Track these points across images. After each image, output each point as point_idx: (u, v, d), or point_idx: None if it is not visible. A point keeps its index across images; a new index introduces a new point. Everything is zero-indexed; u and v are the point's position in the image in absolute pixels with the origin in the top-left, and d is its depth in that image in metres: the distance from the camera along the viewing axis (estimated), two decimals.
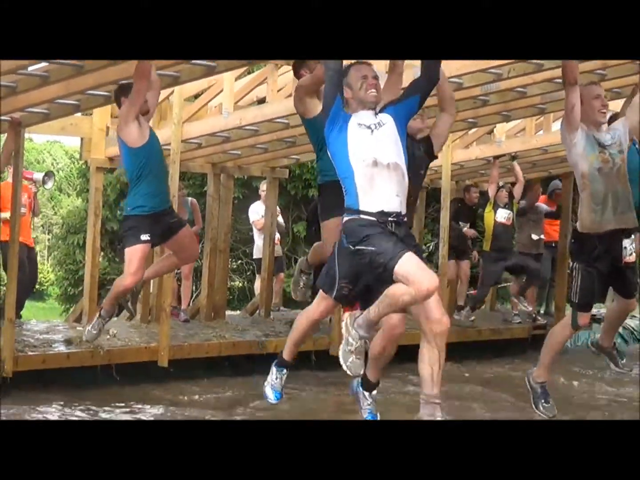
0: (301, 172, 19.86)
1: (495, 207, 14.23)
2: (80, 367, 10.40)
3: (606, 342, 7.63)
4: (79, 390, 9.97)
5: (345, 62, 5.94)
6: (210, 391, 10.79)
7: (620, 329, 13.94)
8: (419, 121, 6.68)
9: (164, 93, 10.38)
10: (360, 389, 6.58)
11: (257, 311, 14.68)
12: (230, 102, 10.90)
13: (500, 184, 14.92)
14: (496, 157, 13.63)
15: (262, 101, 11.55)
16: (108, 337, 11.11)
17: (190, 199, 13.77)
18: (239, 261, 20.53)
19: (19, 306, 11.91)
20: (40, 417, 8.98)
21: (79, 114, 11.48)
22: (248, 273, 20.44)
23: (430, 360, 5.81)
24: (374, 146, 5.67)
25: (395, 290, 5.51)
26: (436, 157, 7.01)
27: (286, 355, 6.54)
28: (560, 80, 8.15)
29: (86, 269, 13.03)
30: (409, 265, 5.42)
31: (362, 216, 5.60)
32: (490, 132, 13.65)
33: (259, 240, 15.04)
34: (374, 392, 6.59)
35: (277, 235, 15.25)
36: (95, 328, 7.87)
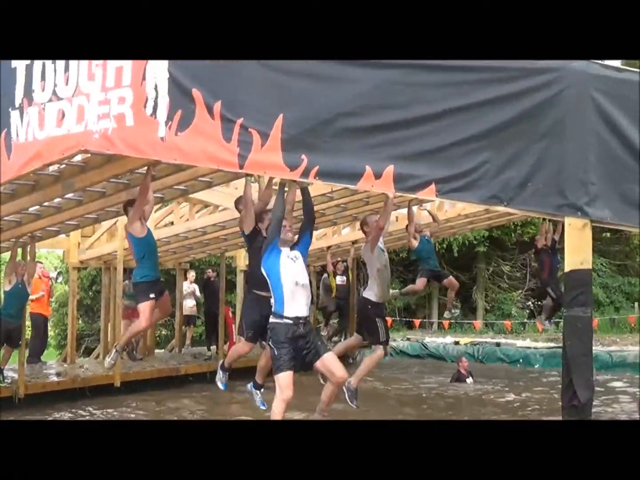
0: (198, 264, 20.18)
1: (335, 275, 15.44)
2: (65, 389, 11.33)
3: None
4: (66, 403, 10.81)
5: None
6: (147, 399, 11.48)
7: None
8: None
9: (112, 221, 11.64)
10: (253, 388, 6.89)
11: (174, 349, 15.66)
12: (152, 225, 11.16)
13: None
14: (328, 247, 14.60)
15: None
16: (82, 370, 12.35)
17: None
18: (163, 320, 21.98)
19: (41, 353, 13.24)
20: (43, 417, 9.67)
21: (62, 235, 12.16)
22: (168, 325, 21.18)
23: (330, 392, 6.11)
24: (296, 272, 5.76)
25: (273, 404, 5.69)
26: None
27: (259, 380, 6.86)
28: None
29: (68, 329, 13.87)
30: (284, 379, 5.60)
31: (285, 320, 5.66)
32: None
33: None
34: (262, 390, 6.88)
35: (194, 302, 16.00)
36: (113, 359, 7.76)
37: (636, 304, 22.68)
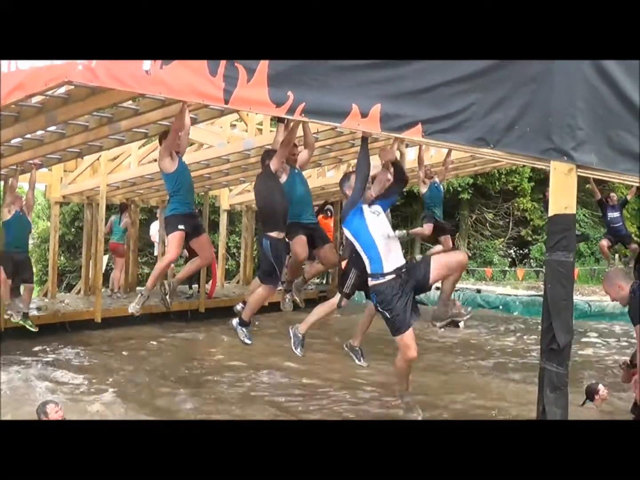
0: None
1: None
2: (46, 324, 11.23)
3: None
4: (46, 338, 10.75)
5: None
6: (129, 336, 11.61)
7: None
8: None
9: (95, 156, 11.69)
10: (238, 325, 6.91)
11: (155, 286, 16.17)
12: (136, 161, 12.35)
13: None
14: None
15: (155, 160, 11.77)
16: (63, 305, 12.40)
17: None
18: (145, 258, 21.54)
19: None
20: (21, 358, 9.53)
21: (44, 169, 12.18)
22: (151, 263, 20.86)
23: (401, 370, 5.83)
24: (383, 225, 5.57)
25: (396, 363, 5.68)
26: None
27: (246, 318, 6.86)
28: None
29: (50, 264, 14.08)
30: (407, 338, 5.40)
31: (387, 277, 5.42)
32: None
33: (156, 245, 15.81)
34: (248, 327, 6.91)
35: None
36: (138, 304, 7.36)
37: (616, 256, 22.89)
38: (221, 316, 7.40)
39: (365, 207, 5.55)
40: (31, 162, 10.19)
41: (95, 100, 6.65)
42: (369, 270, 5.49)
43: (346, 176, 5.90)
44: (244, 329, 6.90)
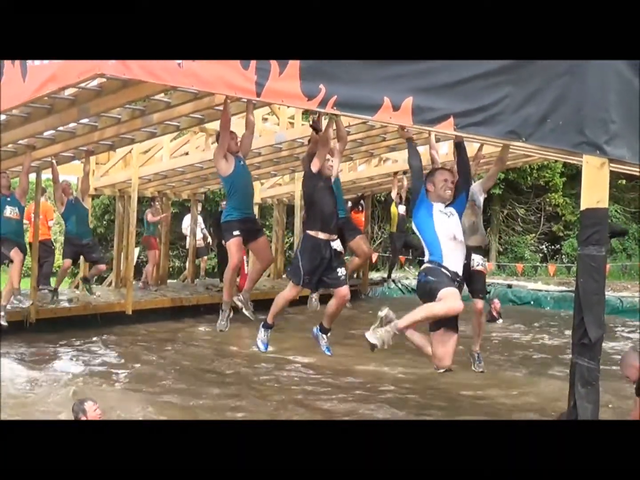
0: (213, 196, 20.83)
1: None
2: (76, 315, 11.35)
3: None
4: (76, 330, 10.74)
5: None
6: (158, 328, 11.78)
7: None
8: None
9: (127, 149, 11.73)
10: (320, 332, 6.66)
11: (186, 279, 15.90)
12: (167, 154, 12.42)
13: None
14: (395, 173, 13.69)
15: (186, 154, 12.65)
16: (94, 297, 12.32)
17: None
18: (176, 251, 21.83)
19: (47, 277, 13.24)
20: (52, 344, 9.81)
21: (77, 162, 11.75)
22: (182, 256, 21.49)
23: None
24: (452, 227, 5.42)
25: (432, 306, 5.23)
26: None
27: (270, 320, 6.64)
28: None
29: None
30: (447, 292, 5.15)
31: (442, 269, 5.32)
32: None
33: (188, 239, 15.99)
34: (328, 334, 6.67)
35: (201, 235, 16.01)
36: (223, 319, 7.14)
37: None
38: (258, 309, 7.34)
39: (436, 206, 5.43)
40: (84, 149, 10.36)
41: (127, 92, 6.68)
42: (426, 260, 5.44)
43: (430, 172, 5.63)
44: (324, 337, 6.69)
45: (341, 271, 6.40)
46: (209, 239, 16.47)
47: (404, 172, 13.32)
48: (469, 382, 8.12)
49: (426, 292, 5.31)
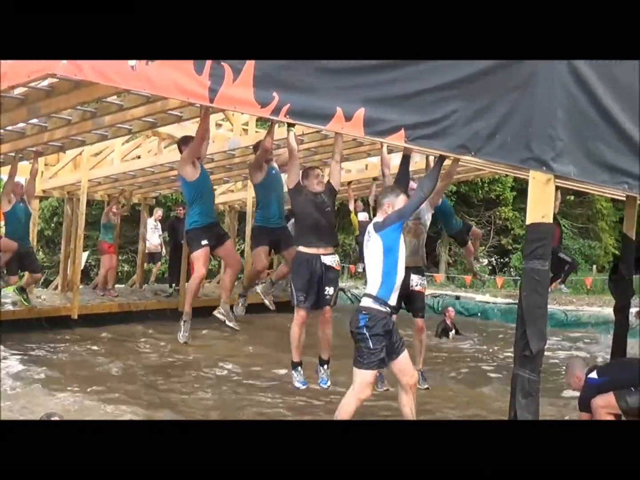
0: (165, 201, 20.46)
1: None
2: (20, 319, 11.11)
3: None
4: (19, 334, 10.39)
5: None
6: (105, 333, 11.48)
7: None
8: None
9: (77, 150, 11.43)
10: (319, 366, 6.43)
11: (134, 284, 15.65)
12: (119, 157, 12.20)
13: None
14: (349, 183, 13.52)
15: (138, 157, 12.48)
16: (40, 300, 12.23)
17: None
18: (125, 255, 21.67)
19: None
20: None
21: (25, 162, 11.20)
22: (132, 261, 21.19)
23: (408, 403, 5.29)
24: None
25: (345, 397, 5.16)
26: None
27: (295, 358, 6.37)
28: None
29: None
30: (369, 376, 5.11)
31: (387, 309, 5.11)
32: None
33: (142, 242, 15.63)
34: (326, 366, 6.44)
35: (159, 240, 15.88)
36: (186, 331, 6.84)
37: (594, 267, 23.10)
38: (200, 315, 7.26)
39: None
40: (32, 149, 10.07)
41: (79, 94, 6.62)
42: (372, 292, 5.13)
43: (394, 190, 5.38)
44: (295, 372, 6.47)
45: (329, 290, 6.23)
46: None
47: (374, 179, 13.12)
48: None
49: (362, 351, 5.12)
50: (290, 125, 6.04)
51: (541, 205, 4.39)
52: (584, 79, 4.38)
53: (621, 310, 6.69)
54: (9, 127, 8.38)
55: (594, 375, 5.45)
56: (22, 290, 11.41)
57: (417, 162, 12.29)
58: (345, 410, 5.12)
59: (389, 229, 5.09)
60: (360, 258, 15.18)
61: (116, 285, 14.76)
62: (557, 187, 10.25)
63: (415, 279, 6.70)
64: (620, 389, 5.34)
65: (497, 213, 23.89)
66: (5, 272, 10.96)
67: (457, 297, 17.69)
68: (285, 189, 6.58)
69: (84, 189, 12.06)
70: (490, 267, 23.91)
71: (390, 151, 7.43)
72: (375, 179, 13.17)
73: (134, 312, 13.09)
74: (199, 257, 6.76)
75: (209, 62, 4.82)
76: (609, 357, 7.32)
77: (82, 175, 12.11)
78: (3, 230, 10.84)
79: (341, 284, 17.80)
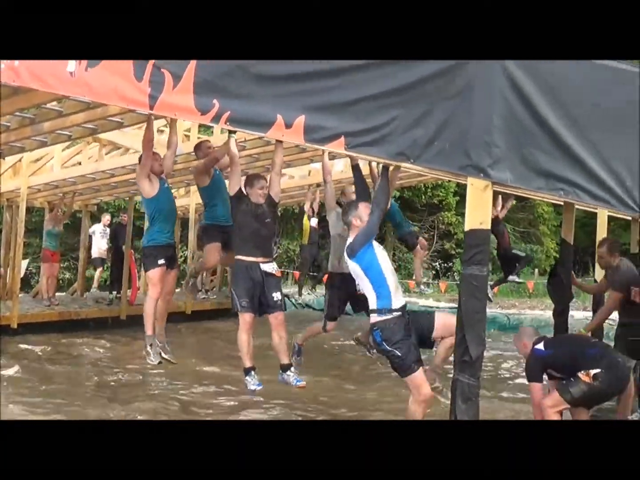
0: (107, 207, 19.71)
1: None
2: None
3: (364, 338, 6.96)
4: None
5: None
6: (44, 342, 11.22)
7: None
8: None
9: (16, 157, 11.36)
10: (283, 374, 6.24)
11: (75, 292, 15.60)
12: (59, 164, 12.05)
13: None
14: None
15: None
16: None
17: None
18: (67, 262, 21.34)
19: None
20: None
21: None
22: (73, 268, 20.87)
23: (415, 414, 5.11)
24: (387, 257, 5.27)
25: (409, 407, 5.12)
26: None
27: (247, 364, 6.22)
28: None
29: None
30: (419, 378, 5.06)
31: (395, 314, 5.07)
32: None
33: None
34: (290, 369, 6.24)
35: (106, 245, 15.41)
36: (155, 354, 6.63)
37: (536, 271, 23.47)
38: (143, 323, 7.17)
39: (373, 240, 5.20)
40: None
41: (17, 100, 6.55)
42: (373, 306, 5.10)
43: (352, 205, 5.38)
44: (249, 377, 6.28)
45: (276, 295, 6.20)
46: None
47: (318, 185, 13.24)
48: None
49: (394, 365, 5.12)
50: (231, 131, 6.03)
51: (479, 211, 4.46)
52: (519, 84, 4.43)
53: (561, 313, 6.78)
54: None
55: (540, 346, 5.50)
56: None
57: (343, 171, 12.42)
58: (416, 415, 5.11)
59: (360, 253, 5.10)
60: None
61: (57, 294, 14.54)
62: (506, 194, 10.44)
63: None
64: (562, 367, 5.40)
65: (441, 218, 24.16)
66: None
67: None
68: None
69: (24, 195, 11.90)
70: (434, 272, 24.14)
71: (332, 157, 7.44)
72: (318, 185, 13.27)
73: (75, 320, 12.90)
74: (154, 276, 6.59)
75: (149, 69, 4.81)
76: None
77: (21, 182, 11.96)
78: None
79: (285, 291, 17.93)
